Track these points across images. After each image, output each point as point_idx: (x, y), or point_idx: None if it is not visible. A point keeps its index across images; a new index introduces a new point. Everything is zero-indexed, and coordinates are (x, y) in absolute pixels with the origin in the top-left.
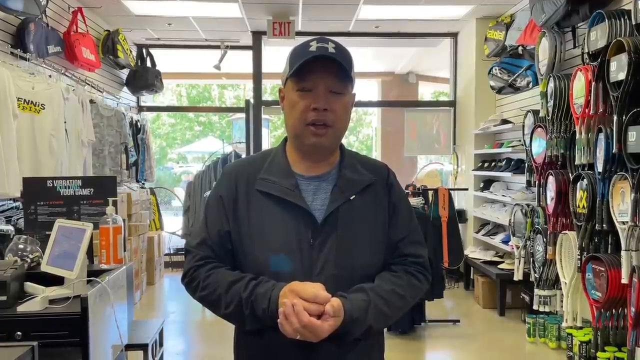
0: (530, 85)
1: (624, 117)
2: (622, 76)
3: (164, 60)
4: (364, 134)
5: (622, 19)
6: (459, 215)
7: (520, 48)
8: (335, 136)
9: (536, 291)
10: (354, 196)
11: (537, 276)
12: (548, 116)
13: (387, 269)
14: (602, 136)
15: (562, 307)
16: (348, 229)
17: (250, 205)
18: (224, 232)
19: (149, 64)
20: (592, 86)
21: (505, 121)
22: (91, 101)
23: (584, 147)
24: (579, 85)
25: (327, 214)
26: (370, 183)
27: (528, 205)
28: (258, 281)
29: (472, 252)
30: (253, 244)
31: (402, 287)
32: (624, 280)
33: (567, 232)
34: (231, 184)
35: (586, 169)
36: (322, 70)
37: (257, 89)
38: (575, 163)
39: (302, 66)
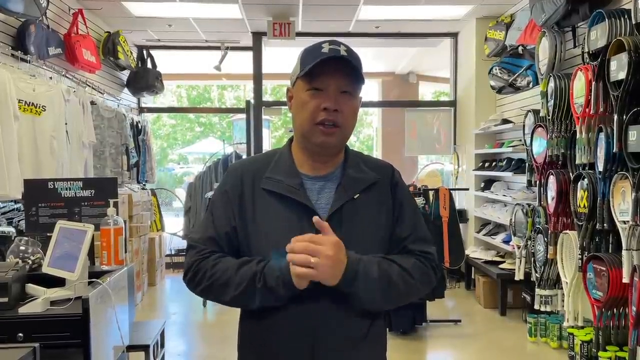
0: (531, 84)
1: (624, 117)
2: (622, 75)
3: (164, 62)
4: (365, 134)
5: (622, 19)
6: (460, 215)
7: (520, 48)
8: (343, 137)
9: (537, 291)
10: (357, 195)
11: (538, 276)
12: (548, 116)
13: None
14: (602, 135)
15: (563, 306)
16: (352, 227)
17: (256, 203)
18: (231, 227)
19: (149, 65)
20: (593, 85)
21: (505, 121)
22: (92, 102)
23: (584, 147)
24: (579, 85)
25: (331, 212)
26: (374, 182)
27: (529, 204)
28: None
29: (473, 252)
30: (258, 241)
31: (407, 263)
32: (625, 280)
33: (568, 231)
34: (237, 181)
35: (587, 168)
36: (334, 71)
37: (258, 90)
38: (576, 162)
39: (315, 66)
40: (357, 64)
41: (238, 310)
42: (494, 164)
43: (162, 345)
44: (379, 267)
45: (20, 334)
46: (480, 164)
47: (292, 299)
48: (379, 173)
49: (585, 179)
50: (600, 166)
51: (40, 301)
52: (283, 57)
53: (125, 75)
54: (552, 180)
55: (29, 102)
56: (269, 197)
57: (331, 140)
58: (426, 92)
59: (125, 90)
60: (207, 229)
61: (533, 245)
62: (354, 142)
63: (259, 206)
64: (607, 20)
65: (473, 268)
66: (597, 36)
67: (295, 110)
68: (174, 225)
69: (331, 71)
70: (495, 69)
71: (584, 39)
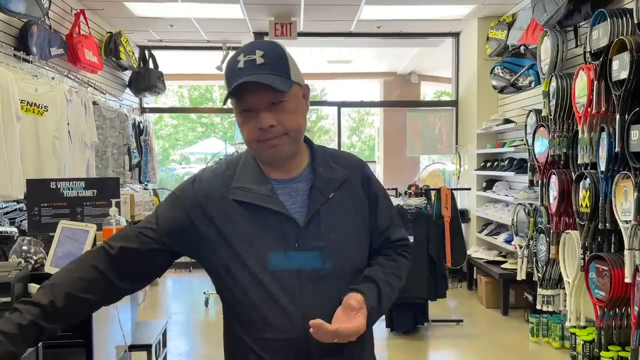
0: (533, 84)
1: (626, 116)
2: (624, 75)
3: (166, 62)
4: (366, 134)
5: (624, 18)
6: (462, 215)
7: (522, 47)
8: (292, 140)
9: (539, 291)
10: (332, 194)
11: (540, 276)
12: (550, 115)
13: (379, 253)
14: (604, 135)
15: (565, 306)
16: (331, 227)
17: (228, 218)
18: (151, 230)
19: (151, 65)
20: (595, 85)
21: (507, 121)
22: (94, 103)
23: (586, 146)
24: (581, 84)
25: (309, 216)
26: (345, 179)
27: (531, 204)
28: (17, 309)
29: (475, 251)
30: (239, 257)
31: (399, 269)
32: (627, 280)
33: (570, 231)
34: (196, 202)
35: (589, 168)
36: (255, 87)
37: None
38: (578, 162)
39: (233, 90)
40: (275, 70)
41: None
42: (495, 163)
43: (164, 345)
44: (383, 295)
45: None
46: (482, 163)
47: (278, 316)
48: (349, 169)
49: (587, 179)
50: (602, 166)
51: None
52: None
53: (127, 75)
54: (554, 180)
55: (32, 103)
56: (241, 208)
57: (281, 150)
58: (428, 92)
59: (127, 90)
60: (132, 228)
61: (535, 245)
62: (356, 142)
63: (232, 220)
64: (609, 19)
65: (475, 268)
66: (599, 36)
67: (239, 128)
68: None
69: (253, 88)
70: (497, 69)
71: (586, 38)
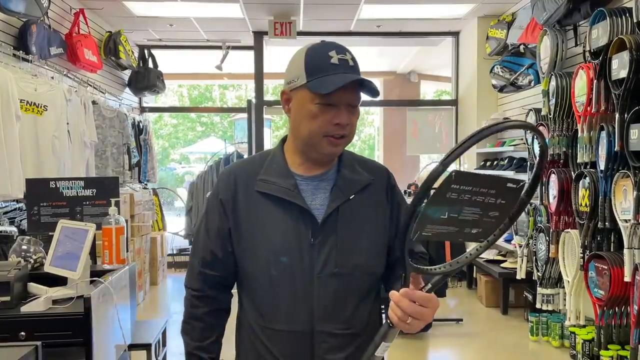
0: (532, 83)
1: (625, 115)
2: (623, 74)
3: (165, 61)
4: (366, 133)
5: (623, 17)
6: None
7: (521, 46)
8: (348, 144)
9: (539, 290)
10: (353, 196)
11: (540, 275)
12: (550, 114)
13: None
14: (604, 134)
15: (565, 305)
16: (348, 228)
17: (251, 207)
18: (225, 234)
19: (150, 64)
20: (594, 84)
21: (507, 120)
22: (93, 102)
23: (586, 145)
24: (580, 84)
25: (328, 213)
26: (369, 183)
27: (530, 203)
28: None
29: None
30: (255, 245)
31: None
32: (627, 279)
33: (569, 230)
34: (230, 186)
35: (588, 167)
36: (352, 85)
37: (259, 89)
38: (578, 161)
39: (330, 85)
40: (360, 73)
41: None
42: (495, 162)
43: (164, 345)
44: None
45: (22, 333)
46: (482, 163)
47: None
48: (374, 175)
49: (587, 178)
50: (601, 165)
51: (42, 300)
52: (284, 57)
53: (126, 74)
54: (553, 179)
55: (31, 102)
56: (263, 199)
57: (339, 150)
58: (428, 91)
59: (127, 89)
60: (204, 242)
61: (535, 244)
62: (356, 141)
63: (254, 210)
64: (608, 18)
65: (475, 267)
66: (599, 35)
67: (299, 118)
68: (176, 224)
69: (348, 86)
70: (497, 68)
71: (586, 37)
